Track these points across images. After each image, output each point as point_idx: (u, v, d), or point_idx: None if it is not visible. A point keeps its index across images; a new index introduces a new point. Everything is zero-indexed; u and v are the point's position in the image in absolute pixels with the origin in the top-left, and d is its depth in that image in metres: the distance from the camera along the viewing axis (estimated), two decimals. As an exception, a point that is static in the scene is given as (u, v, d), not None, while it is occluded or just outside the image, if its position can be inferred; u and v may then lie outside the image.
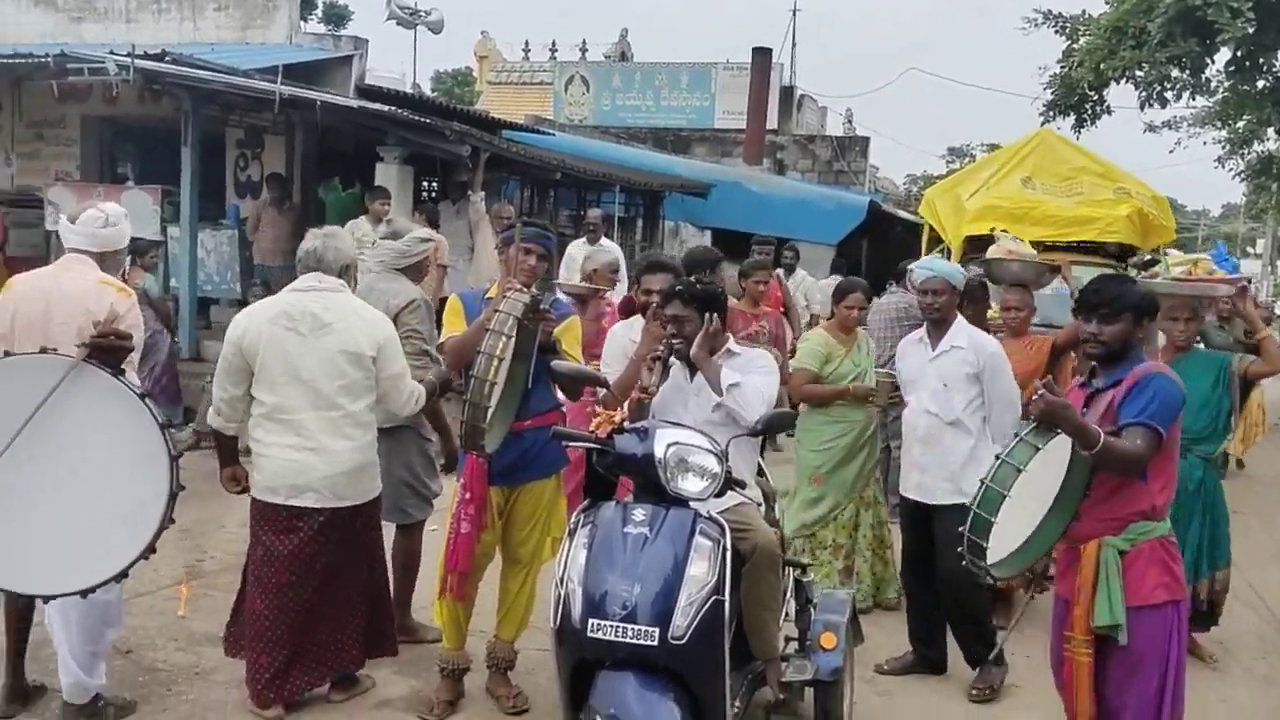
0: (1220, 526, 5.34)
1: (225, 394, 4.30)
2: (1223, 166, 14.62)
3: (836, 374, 5.90)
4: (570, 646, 3.46)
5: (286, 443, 4.24)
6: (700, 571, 3.48)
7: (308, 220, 11.37)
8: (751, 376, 4.08)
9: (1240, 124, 12.70)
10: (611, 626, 3.34)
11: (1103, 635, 3.44)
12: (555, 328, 4.35)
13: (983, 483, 3.28)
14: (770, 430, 3.98)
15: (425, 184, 13.60)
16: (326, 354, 4.25)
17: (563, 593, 3.50)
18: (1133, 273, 6.14)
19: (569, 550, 3.62)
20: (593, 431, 3.79)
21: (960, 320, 5.08)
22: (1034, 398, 3.27)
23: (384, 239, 5.52)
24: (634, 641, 3.33)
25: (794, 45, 29.34)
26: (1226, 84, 12.62)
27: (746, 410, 3.98)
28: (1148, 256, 5.98)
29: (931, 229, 9.54)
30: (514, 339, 3.92)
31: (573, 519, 3.78)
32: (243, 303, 10.15)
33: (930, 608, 5.11)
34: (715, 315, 4.10)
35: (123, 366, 3.74)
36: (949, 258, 8.64)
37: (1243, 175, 14.89)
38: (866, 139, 25.00)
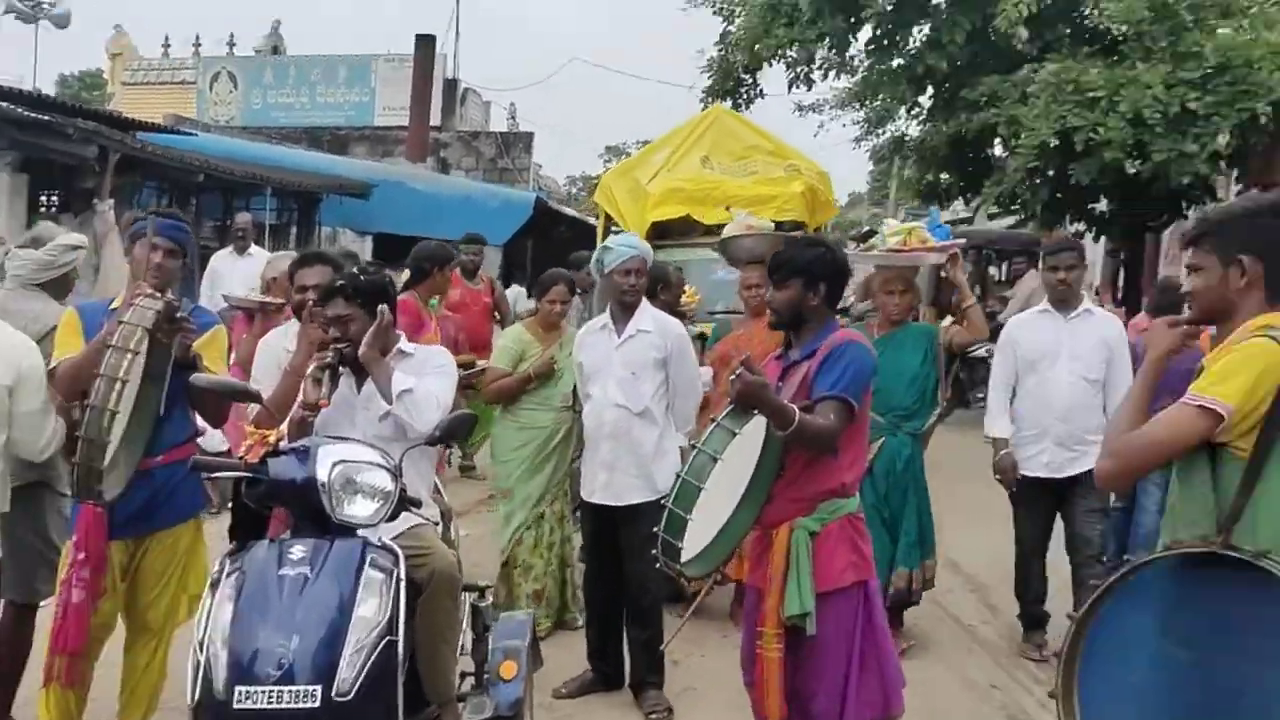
0: (926, 511, 5.22)
1: None
2: (859, 147, 15.54)
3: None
4: (213, 723, 2.91)
5: None
6: (370, 611, 3.03)
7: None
8: (426, 379, 3.67)
9: (877, 103, 13.47)
10: (264, 692, 2.83)
11: (791, 626, 3.28)
12: (196, 340, 3.66)
13: (678, 476, 3.05)
14: (449, 437, 3.57)
15: (44, 195, 12.10)
16: None
17: (202, 659, 2.93)
18: (851, 245, 6.09)
19: (210, 606, 3.06)
20: (241, 457, 3.22)
21: (645, 303, 4.79)
22: (731, 378, 3.06)
23: (21, 248, 4.55)
24: (291, 706, 2.82)
25: (457, 35, 28.66)
26: (867, 63, 13.31)
27: (419, 418, 3.56)
28: (866, 229, 5.96)
29: (609, 218, 9.10)
30: (142, 356, 3.28)
31: (215, 567, 3.22)
32: None
33: (611, 621, 4.81)
34: (385, 309, 3.65)
35: None
36: None
37: (875, 156, 15.93)
38: (530, 135, 24.87)
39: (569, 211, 19.15)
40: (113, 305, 3.75)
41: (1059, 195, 11.50)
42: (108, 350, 3.22)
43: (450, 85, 24.20)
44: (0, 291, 4.49)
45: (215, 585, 3.13)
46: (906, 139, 14.51)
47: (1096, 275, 17.23)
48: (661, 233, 8.01)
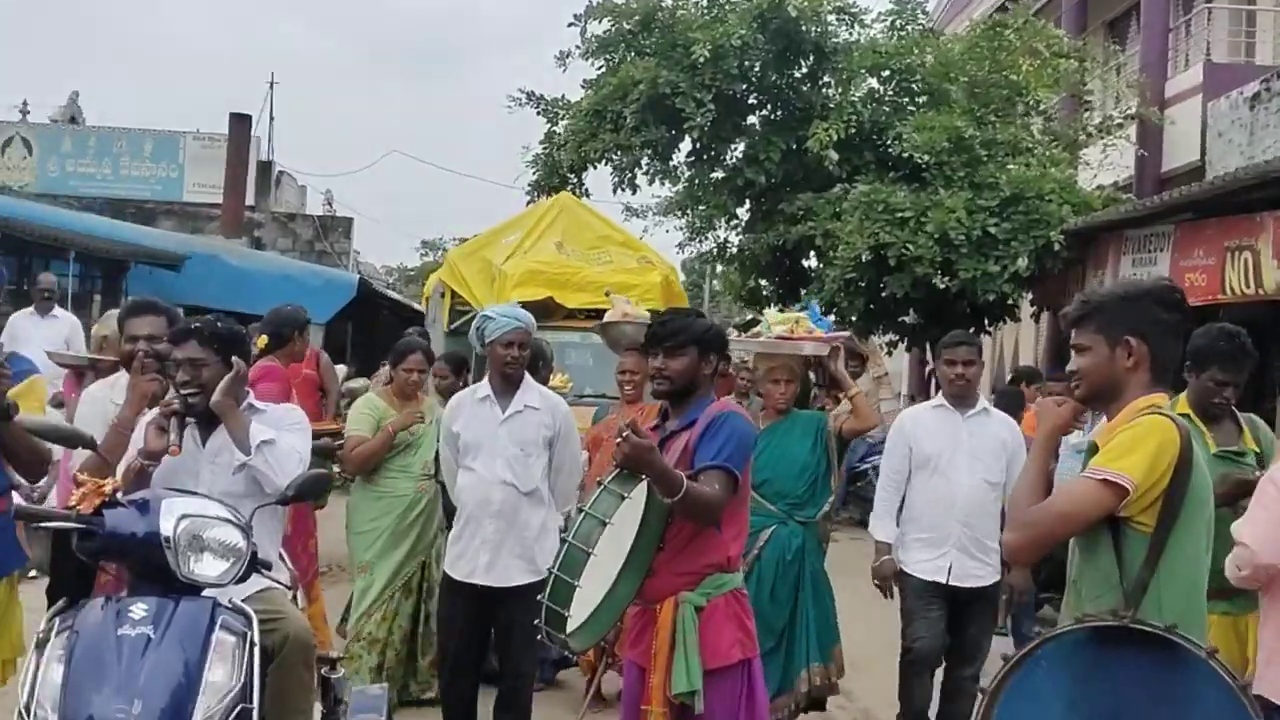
0: (825, 599, 4.91)
1: None
2: (682, 252, 16.02)
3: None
4: (41, 797, 2.62)
5: None
6: (221, 676, 2.82)
7: None
8: (285, 433, 3.50)
9: (700, 209, 13.95)
10: (103, 760, 2.57)
11: (679, 704, 3.21)
12: (9, 387, 3.37)
13: (564, 541, 2.96)
14: (303, 496, 3.39)
15: None
16: None
17: (30, 727, 2.65)
18: (734, 333, 5.78)
19: (37, 668, 2.78)
20: (72, 507, 2.95)
21: (529, 378, 4.65)
22: (618, 441, 3.01)
23: None
24: (136, 775, 2.58)
25: (271, 119, 28.14)
26: (689, 173, 13.84)
27: (279, 471, 3.39)
28: (749, 317, 5.98)
29: (455, 296, 9.11)
30: None
31: (41, 627, 2.92)
32: None
33: (470, 703, 4.62)
34: (240, 361, 3.48)
35: None
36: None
37: (701, 261, 16.46)
38: (350, 220, 24.52)
39: (392, 295, 18.83)
40: None
41: (872, 306, 12.08)
42: None
43: (265, 167, 23.61)
44: None
45: (41, 646, 2.85)
46: (728, 246, 15.03)
47: (904, 383, 18.11)
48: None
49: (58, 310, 9.23)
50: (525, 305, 7.89)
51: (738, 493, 3.32)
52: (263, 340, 5.54)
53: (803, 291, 13.27)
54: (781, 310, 7.39)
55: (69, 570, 3.37)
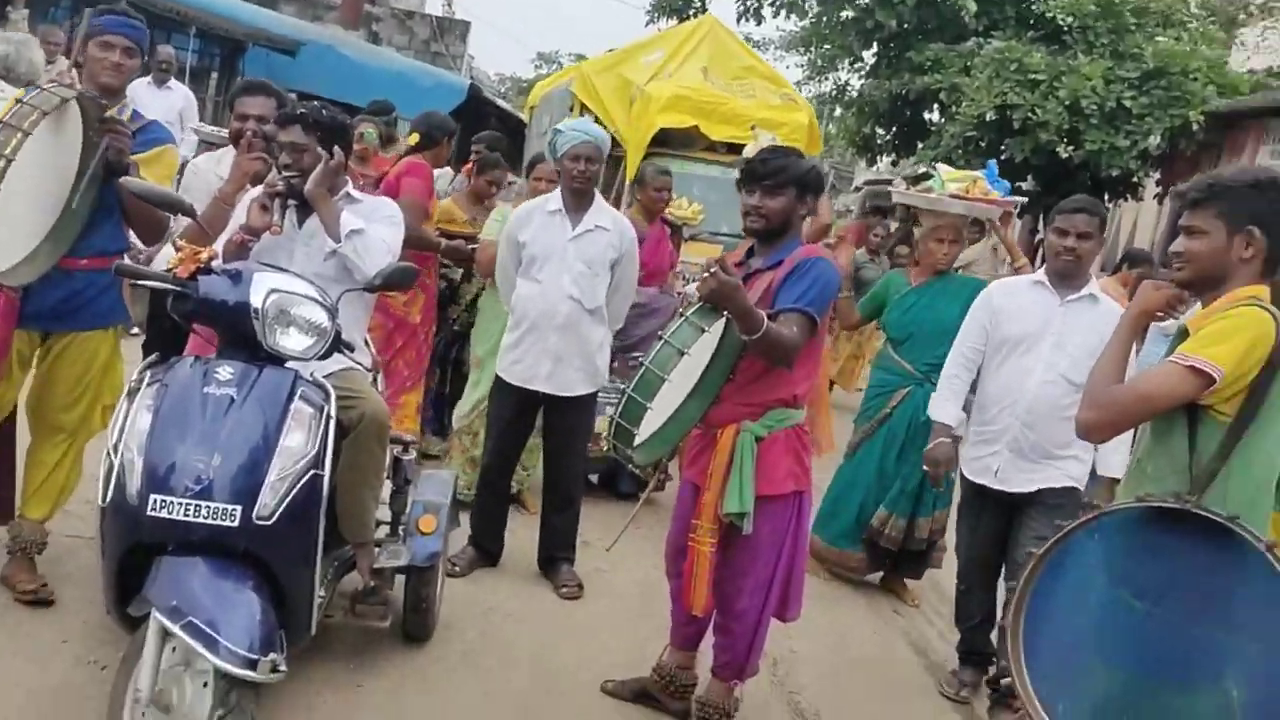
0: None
1: None
2: (801, 90, 15.57)
3: None
4: (124, 527, 2.83)
5: None
6: (297, 442, 2.96)
7: None
8: (375, 225, 3.56)
9: (823, 49, 13.51)
10: (180, 504, 2.76)
11: (727, 523, 3.31)
12: (127, 145, 3.45)
13: (642, 365, 3.00)
14: (388, 286, 3.47)
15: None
16: None
17: (116, 463, 2.84)
18: (902, 185, 5.57)
19: (128, 413, 2.95)
20: (171, 270, 3.08)
21: (599, 197, 4.68)
22: (703, 276, 3.03)
23: None
24: (209, 521, 2.77)
25: (398, -92, 27.58)
26: (818, 8, 13.34)
27: (367, 261, 3.46)
28: (921, 170, 5.63)
29: (585, 111, 8.55)
30: (38, 140, 3.06)
31: (134, 377, 3.09)
32: None
33: (505, 500, 4.89)
34: (339, 149, 3.52)
35: None
36: (613, 146, 8.13)
37: (819, 102, 16.00)
38: (467, 24, 24.18)
39: (501, 103, 18.71)
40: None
41: (992, 167, 11.73)
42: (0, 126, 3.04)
43: (389, -42, 23.30)
44: None
45: (133, 394, 3.01)
46: (848, 89, 14.60)
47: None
48: (661, 140, 7.65)
49: (173, 82, 9.38)
50: (669, 132, 7.81)
51: (815, 336, 3.33)
52: (414, 137, 5.71)
53: (919, 145, 12.91)
54: (928, 167, 7.17)
55: (164, 329, 3.55)
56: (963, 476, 4.20)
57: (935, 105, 12.75)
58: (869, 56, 13.77)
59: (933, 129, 12.99)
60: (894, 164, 16.50)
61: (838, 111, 15.11)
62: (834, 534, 5.23)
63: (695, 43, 8.59)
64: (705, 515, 3.31)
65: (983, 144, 11.15)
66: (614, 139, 7.93)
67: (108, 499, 2.83)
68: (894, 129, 14.18)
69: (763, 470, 3.32)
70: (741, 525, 3.28)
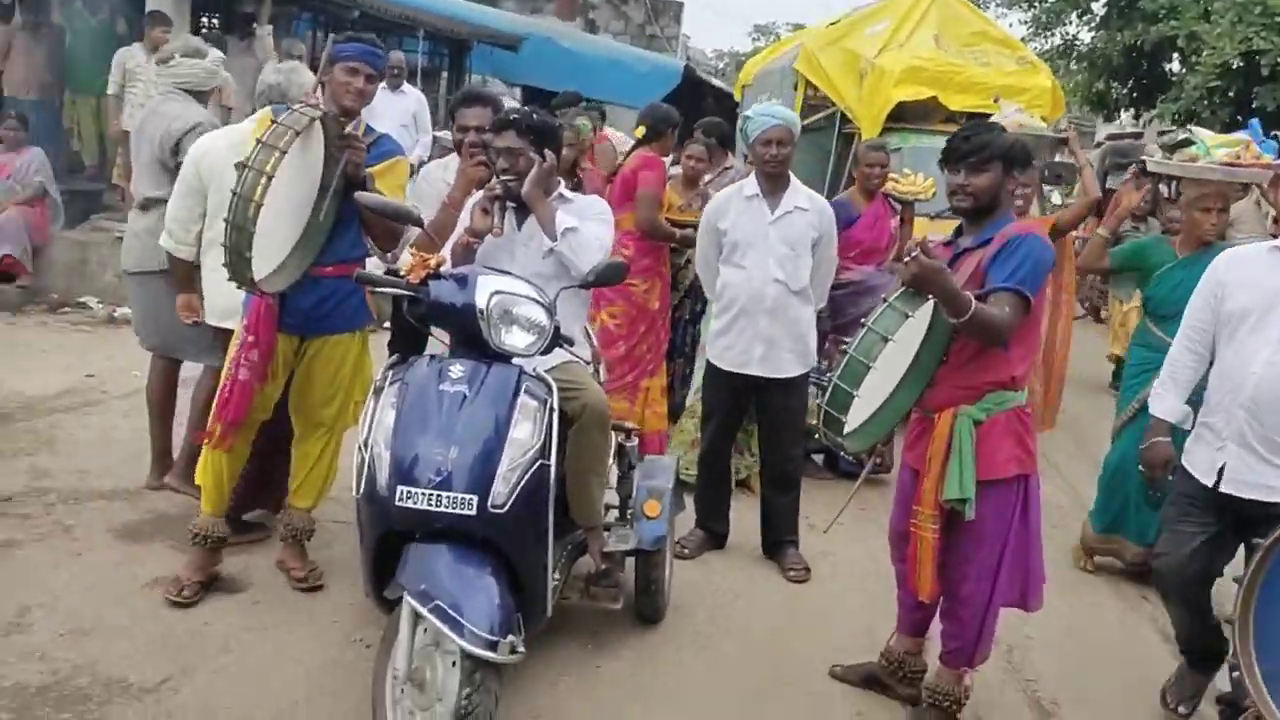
0: None
1: (179, 214, 4.15)
2: (1026, 47, 14.91)
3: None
4: (376, 516, 3.08)
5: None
6: (524, 434, 3.13)
7: (63, 47, 10.12)
8: (588, 223, 3.69)
9: (1047, 3, 12.85)
10: (424, 494, 2.97)
11: (949, 509, 3.26)
12: (363, 160, 3.73)
13: (845, 353, 3.00)
14: (601, 282, 3.60)
15: (205, 18, 12.30)
16: None
17: (367, 457, 3.09)
18: (1158, 153, 5.24)
19: (375, 410, 3.20)
20: (404, 276, 3.31)
21: (794, 178, 4.70)
22: (906, 260, 2.99)
23: (185, 55, 4.79)
24: (449, 510, 2.97)
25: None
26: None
27: (581, 258, 3.60)
28: (1180, 135, 5.24)
29: (810, 88, 8.27)
30: (292, 159, 3.33)
31: (379, 376, 3.34)
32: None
33: (726, 483, 4.98)
34: (551, 152, 3.67)
35: None
36: (840, 124, 7.83)
37: (1045, 58, 15.27)
38: (680, 5, 24.34)
39: (716, 83, 18.79)
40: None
41: (1240, 118, 10.88)
42: (258, 146, 3.30)
43: (602, -53, 23.72)
44: (155, 99, 4.89)
45: (378, 392, 3.25)
46: (1077, 44, 13.84)
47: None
48: (897, 114, 7.42)
49: (406, 86, 9.89)
50: (905, 105, 7.53)
51: (1029, 314, 3.22)
52: (640, 130, 5.92)
53: (1159, 98, 12.12)
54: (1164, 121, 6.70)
55: (405, 330, 3.81)
56: (1183, 472, 3.56)
57: (1173, 55, 11.90)
58: (1098, 8, 13.00)
59: (1173, 80, 12.15)
60: (1135, 118, 15.57)
61: (1070, 67, 14.34)
62: (1106, 523, 5.00)
63: (923, 10, 8.17)
64: (926, 501, 3.27)
65: (1230, 93, 10.37)
66: (844, 115, 7.82)
67: (361, 490, 3.08)
68: (1130, 82, 13.34)
69: (983, 455, 3.24)
70: (963, 511, 3.23)
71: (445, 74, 15.95)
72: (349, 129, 3.69)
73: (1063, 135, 6.22)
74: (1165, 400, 3.67)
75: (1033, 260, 3.18)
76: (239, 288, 3.54)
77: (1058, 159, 7.29)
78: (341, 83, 3.78)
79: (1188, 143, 5.17)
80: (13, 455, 5.15)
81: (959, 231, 3.42)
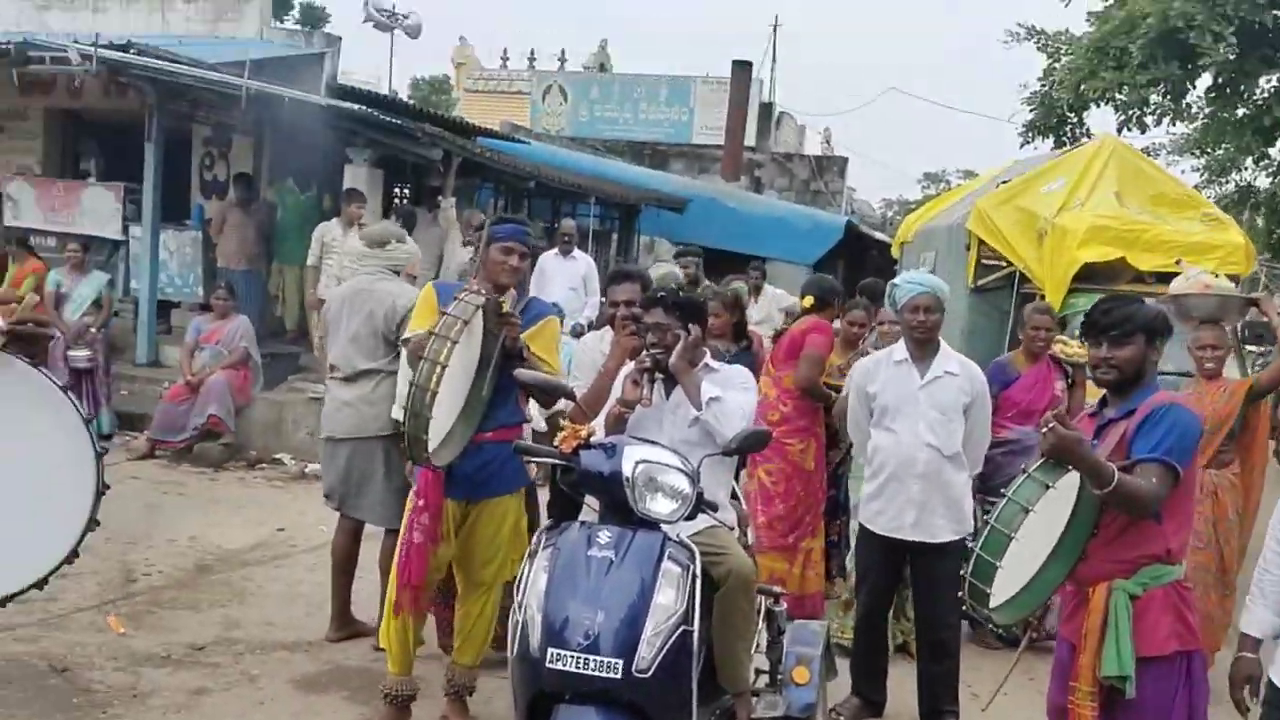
0: None
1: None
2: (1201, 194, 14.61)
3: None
4: (529, 677, 3.23)
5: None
6: (668, 599, 3.26)
7: (274, 222, 11.17)
8: (732, 392, 3.89)
9: (1219, 151, 12.65)
10: (572, 657, 3.12)
11: (1108, 686, 3.19)
12: (520, 332, 4.04)
13: (987, 523, 3.05)
14: (743, 450, 3.76)
15: (396, 189, 13.36)
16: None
17: (521, 619, 3.27)
18: None
19: (529, 573, 3.39)
20: (557, 446, 3.56)
21: (944, 343, 4.78)
22: (1043, 431, 3.04)
23: (399, 241, 5.32)
24: (595, 674, 3.10)
25: (774, 61, 29.15)
26: (1207, 110, 12.59)
27: (726, 426, 3.77)
28: None
29: (984, 249, 8.05)
30: (460, 344, 3.64)
31: (534, 540, 3.56)
32: (204, 307, 9.90)
33: (882, 650, 4.95)
34: (696, 325, 3.91)
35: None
36: (1018, 285, 7.65)
37: (1221, 205, 14.91)
38: (845, 159, 24.94)
39: (879, 236, 19.04)
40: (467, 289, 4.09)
41: None
42: (432, 337, 3.62)
43: (765, 109, 24.67)
44: (360, 278, 5.28)
45: (532, 556, 3.46)
46: (1254, 189, 13.52)
47: None
48: (1084, 275, 7.18)
49: (576, 252, 10.47)
50: (1092, 265, 7.19)
51: (1180, 485, 3.20)
52: (807, 301, 6.26)
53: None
54: None
55: (562, 494, 4.04)
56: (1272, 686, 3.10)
57: (1358, 196, 11.52)
58: (1275, 153, 12.71)
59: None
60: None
61: (1247, 214, 13.96)
62: None
63: (1101, 166, 7.92)
64: (1083, 678, 3.21)
65: None
66: (1022, 276, 7.62)
67: (515, 651, 3.26)
68: (1313, 228, 12.92)
69: (1141, 630, 3.18)
70: (1123, 689, 3.15)
71: (615, 236, 16.71)
72: (506, 306, 3.97)
73: (1253, 298, 5.91)
74: (1252, 614, 3.26)
75: (1179, 430, 3.16)
76: (414, 465, 3.84)
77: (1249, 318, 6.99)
78: (497, 261, 4.12)
79: None
80: (209, 607, 5.58)
81: (1104, 402, 3.44)
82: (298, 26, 25.25)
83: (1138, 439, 3.19)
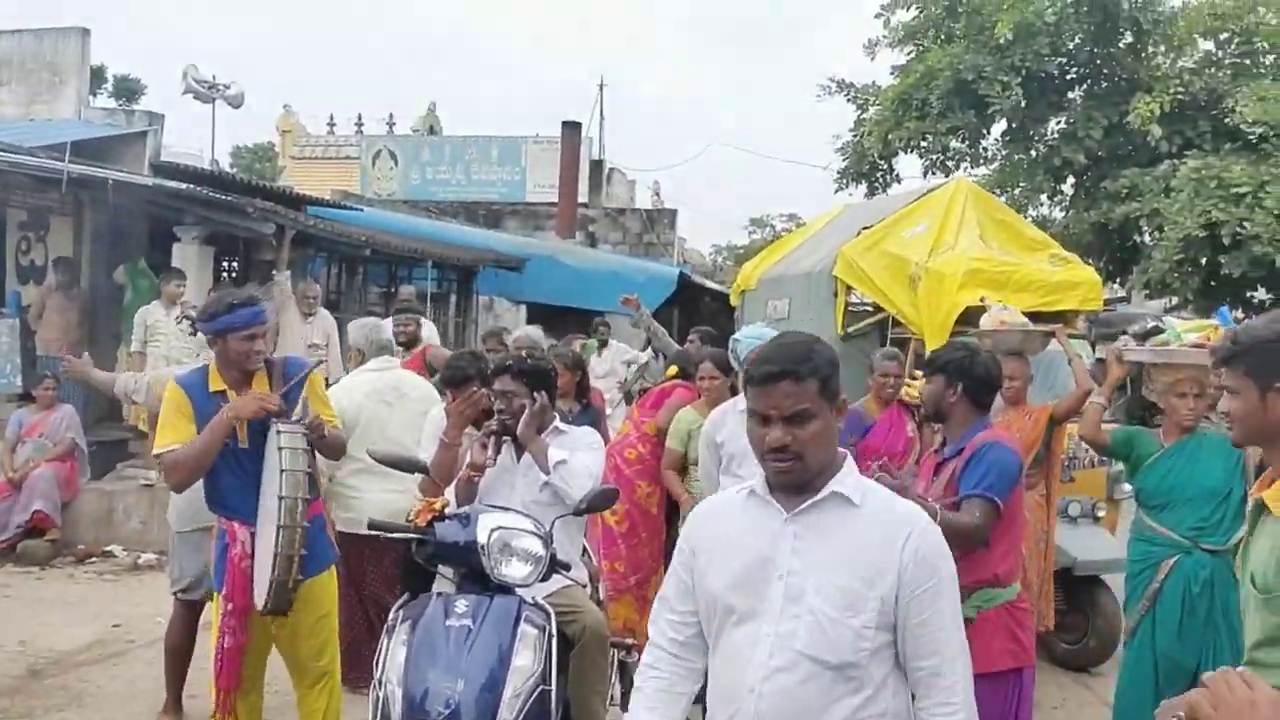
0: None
1: None
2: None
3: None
4: (392, 751, 3.27)
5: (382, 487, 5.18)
6: (526, 661, 3.37)
7: (97, 306, 10.78)
8: (579, 454, 4.02)
9: (1016, 190, 13.60)
10: (434, 727, 3.18)
11: None
12: (277, 407, 3.90)
13: None
14: (592, 509, 3.91)
15: (225, 264, 13.09)
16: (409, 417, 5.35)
17: (381, 695, 3.33)
18: (1131, 342, 5.27)
19: (388, 647, 3.45)
20: (411, 520, 3.63)
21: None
22: (871, 478, 3.27)
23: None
24: (460, 741, 3.17)
25: (601, 119, 29.73)
26: (1003, 153, 13.55)
27: (573, 487, 3.91)
28: (1150, 324, 5.37)
29: (850, 291, 7.94)
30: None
31: (390, 615, 3.60)
32: (25, 397, 9.47)
33: None
34: (544, 392, 4.04)
35: None
36: (889, 329, 7.56)
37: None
38: (674, 211, 25.52)
39: (712, 285, 19.61)
40: (214, 389, 3.93)
41: (1212, 283, 11.38)
42: (281, 503, 3.63)
43: (596, 165, 25.09)
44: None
45: (390, 631, 3.51)
46: (1049, 223, 14.55)
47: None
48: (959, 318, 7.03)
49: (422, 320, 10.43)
50: (969, 309, 6.87)
51: (1004, 516, 3.49)
52: (672, 370, 6.59)
53: (1133, 269, 12.66)
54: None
55: (414, 569, 4.08)
56: None
57: (1141, 228, 12.54)
58: (1066, 188, 13.77)
59: (1144, 252, 12.74)
60: (1120, 284, 16.07)
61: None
62: None
63: (960, 209, 7.86)
64: None
65: (1201, 262, 10.89)
66: (894, 321, 7.48)
67: (375, 727, 3.30)
68: (1104, 257, 13.96)
69: (976, 650, 3.43)
70: None
71: (454, 297, 16.71)
72: (310, 414, 3.91)
73: (1049, 330, 6.16)
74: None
75: (999, 468, 3.49)
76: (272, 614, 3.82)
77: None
78: (244, 352, 3.90)
79: (1158, 330, 5.27)
80: (44, 713, 5.34)
81: (943, 442, 3.74)
82: (114, 103, 24.49)
83: (964, 476, 3.52)
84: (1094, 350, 9.94)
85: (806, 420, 2.23)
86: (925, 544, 2.32)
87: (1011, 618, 3.53)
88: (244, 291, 4.10)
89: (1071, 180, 13.52)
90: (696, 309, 18.39)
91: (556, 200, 22.18)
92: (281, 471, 3.66)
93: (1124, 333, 5.53)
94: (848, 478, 2.33)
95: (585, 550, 4.44)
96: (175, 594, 5.17)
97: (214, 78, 20.30)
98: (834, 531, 2.27)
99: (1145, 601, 4.54)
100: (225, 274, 12.98)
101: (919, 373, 6.21)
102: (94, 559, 8.44)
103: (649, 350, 10.94)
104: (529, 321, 15.55)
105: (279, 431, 3.77)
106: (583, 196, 23.06)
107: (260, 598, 3.77)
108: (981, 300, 6.66)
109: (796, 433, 2.22)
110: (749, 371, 2.32)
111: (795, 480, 2.26)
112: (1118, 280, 14.58)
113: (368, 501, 5.19)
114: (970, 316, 6.94)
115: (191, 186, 10.06)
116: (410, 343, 7.71)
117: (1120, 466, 6.46)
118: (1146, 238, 12.91)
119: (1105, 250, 13.67)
